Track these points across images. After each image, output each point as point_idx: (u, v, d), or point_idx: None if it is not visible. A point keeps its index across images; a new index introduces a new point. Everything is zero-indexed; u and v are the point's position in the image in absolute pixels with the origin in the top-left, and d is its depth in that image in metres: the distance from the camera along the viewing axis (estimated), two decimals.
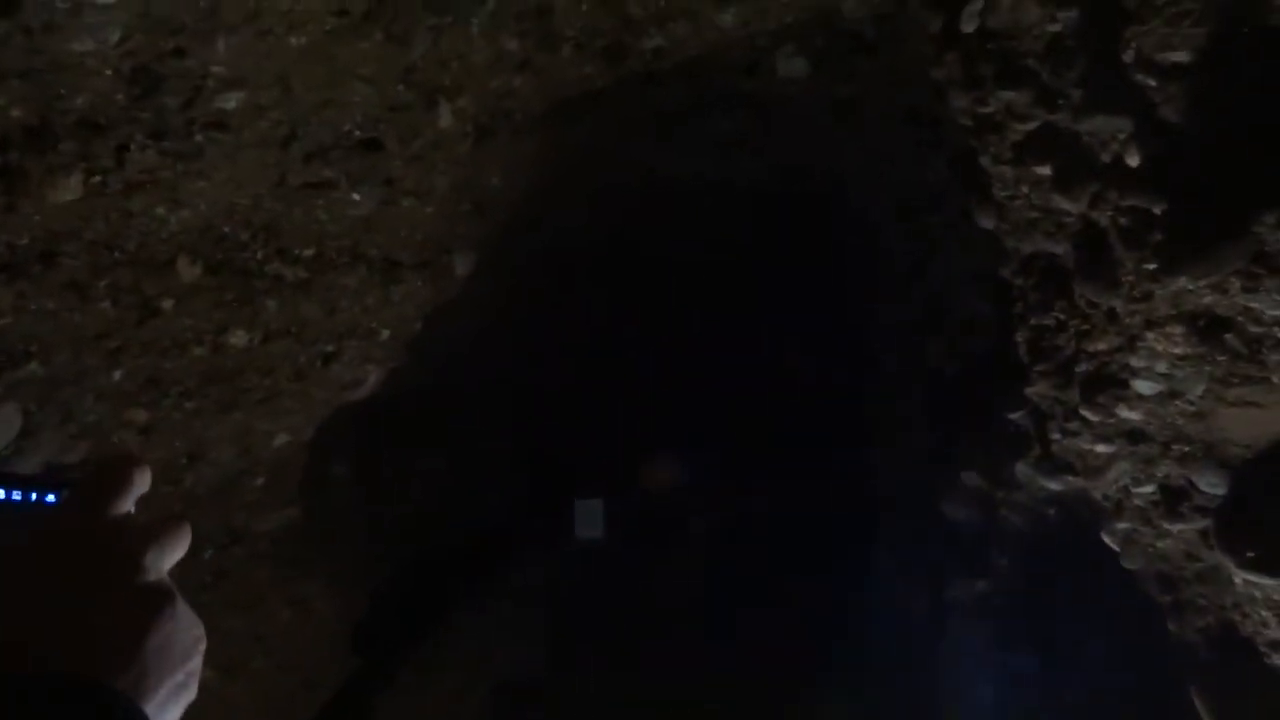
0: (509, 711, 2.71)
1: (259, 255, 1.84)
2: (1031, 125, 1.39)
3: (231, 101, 1.46)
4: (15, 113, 1.36)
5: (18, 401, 1.66)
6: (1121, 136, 1.25)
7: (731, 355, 3.33)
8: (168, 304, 1.75)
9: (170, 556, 0.51)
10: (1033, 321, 1.53)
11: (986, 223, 1.63)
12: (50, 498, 0.56)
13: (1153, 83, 1.18)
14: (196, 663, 0.49)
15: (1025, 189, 1.45)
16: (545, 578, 3.07)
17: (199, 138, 1.46)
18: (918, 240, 2.48)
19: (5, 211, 1.47)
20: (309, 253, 1.92)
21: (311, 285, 1.95)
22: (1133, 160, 1.23)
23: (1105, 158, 1.28)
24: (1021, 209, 1.48)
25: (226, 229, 1.76)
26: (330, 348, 2.05)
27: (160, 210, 1.55)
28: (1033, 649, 1.66)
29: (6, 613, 0.47)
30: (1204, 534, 1.28)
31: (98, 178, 1.44)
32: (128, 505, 0.52)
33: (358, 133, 1.83)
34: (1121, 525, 1.43)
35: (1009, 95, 1.40)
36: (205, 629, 0.51)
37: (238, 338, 1.88)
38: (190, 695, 0.49)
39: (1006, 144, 1.45)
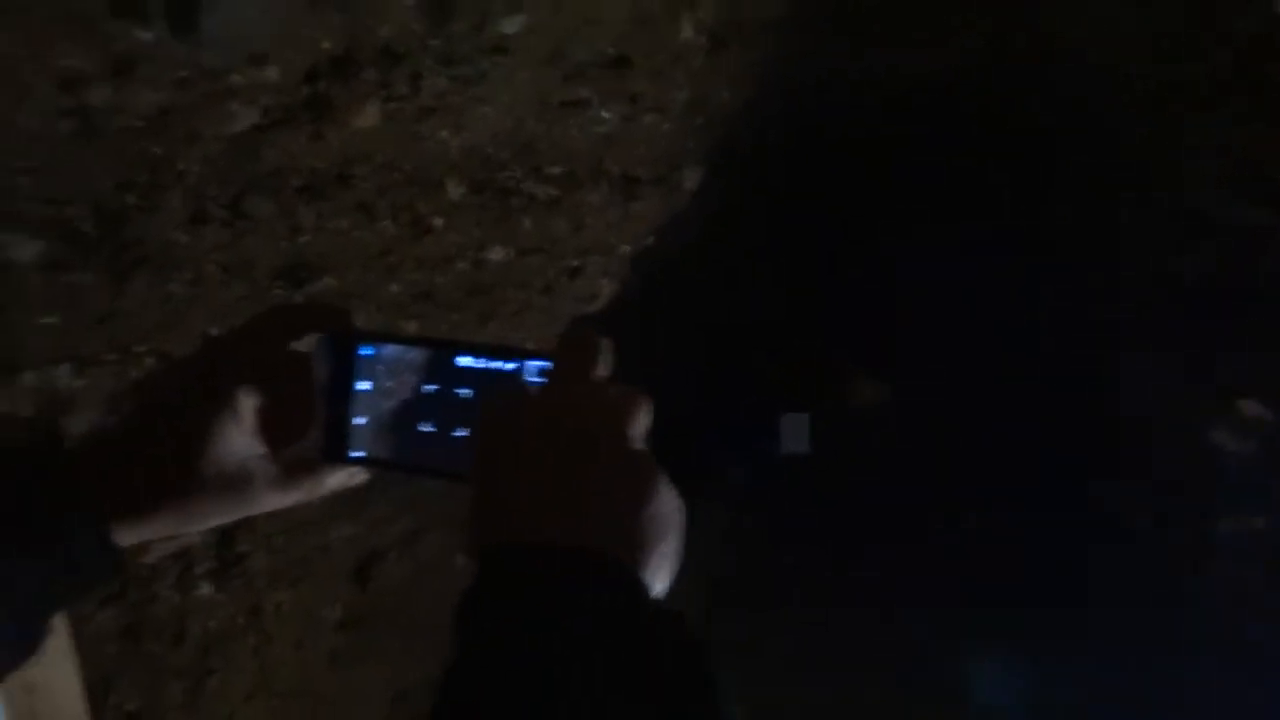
0: (719, 612, 2.82)
1: (517, 175, 1.91)
2: None
3: (513, 25, 1.50)
4: (325, 44, 1.45)
5: None
6: None
7: (943, 268, 3.20)
8: (438, 222, 1.86)
9: (645, 427, 0.50)
10: None
11: None
12: (509, 366, 0.56)
13: None
14: (679, 535, 0.47)
15: None
16: (753, 487, 3.13)
17: (484, 63, 1.52)
18: (1175, 139, 2.27)
19: (312, 138, 1.59)
20: (559, 171, 1.98)
21: (561, 203, 2.01)
22: None
23: None
24: None
25: (490, 150, 1.83)
26: (575, 262, 2.12)
27: (444, 133, 1.63)
28: None
29: (508, 483, 0.47)
30: None
31: (394, 104, 1.53)
32: (605, 375, 0.51)
33: (610, 50, 1.84)
34: None
35: None
36: None
37: (496, 254, 1.98)
38: (674, 567, 0.48)
39: None
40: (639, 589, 0.45)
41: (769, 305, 3.13)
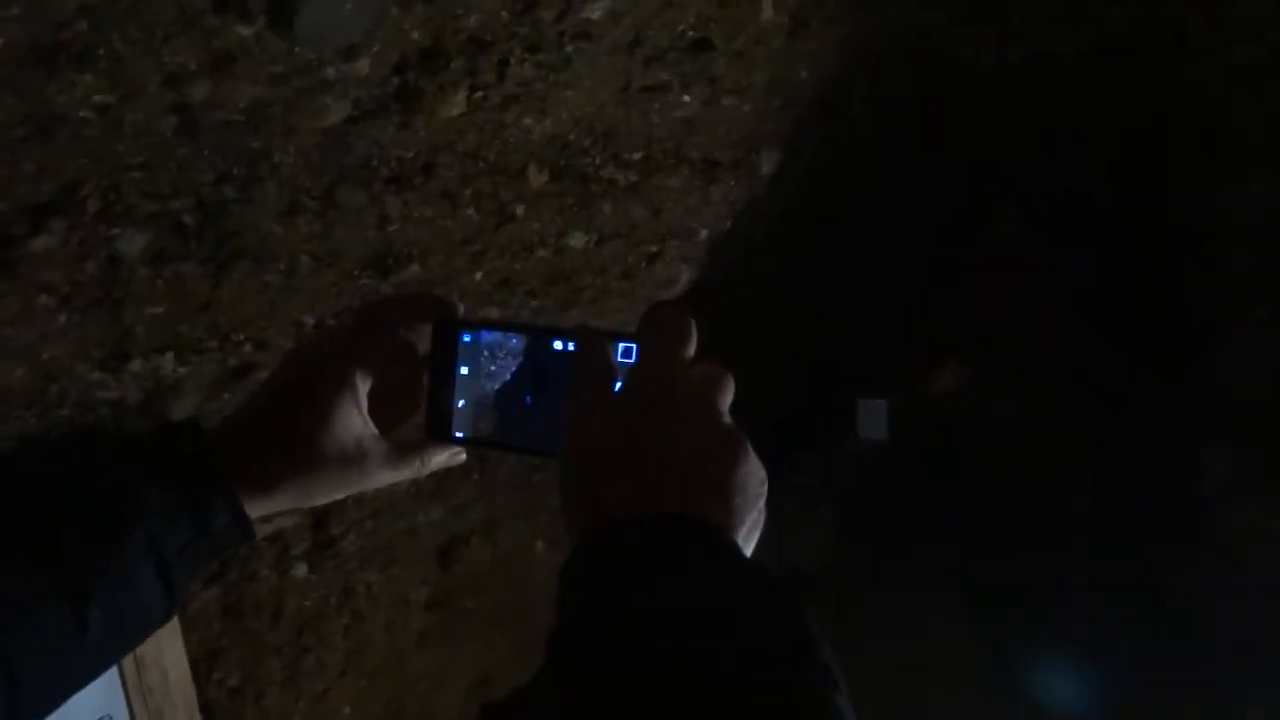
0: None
1: (596, 161, 1.91)
2: None
3: (597, 11, 1.50)
4: (415, 35, 1.47)
5: None
6: None
7: (1028, 251, 3.11)
8: (520, 210, 1.88)
9: (730, 401, 0.53)
10: None
11: None
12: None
13: None
14: (763, 504, 0.50)
15: None
16: (828, 476, 3.10)
17: (569, 48, 1.52)
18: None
19: (400, 128, 1.61)
20: (638, 156, 1.98)
21: (640, 188, 2.01)
22: None
23: None
24: None
25: (571, 136, 1.84)
26: (654, 248, 2.12)
27: (528, 121, 1.64)
28: None
29: (605, 461, 0.50)
30: None
31: (480, 93, 1.54)
32: (691, 354, 0.54)
33: (691, 33, 1.83)
34: None
35: None
36: None
37: (576, 240, 1.99)
38: (758, 534, 0.50)
39: None
40: (736, 548, 0.47)
41: (846, 289, 3.09)
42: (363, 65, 1.48)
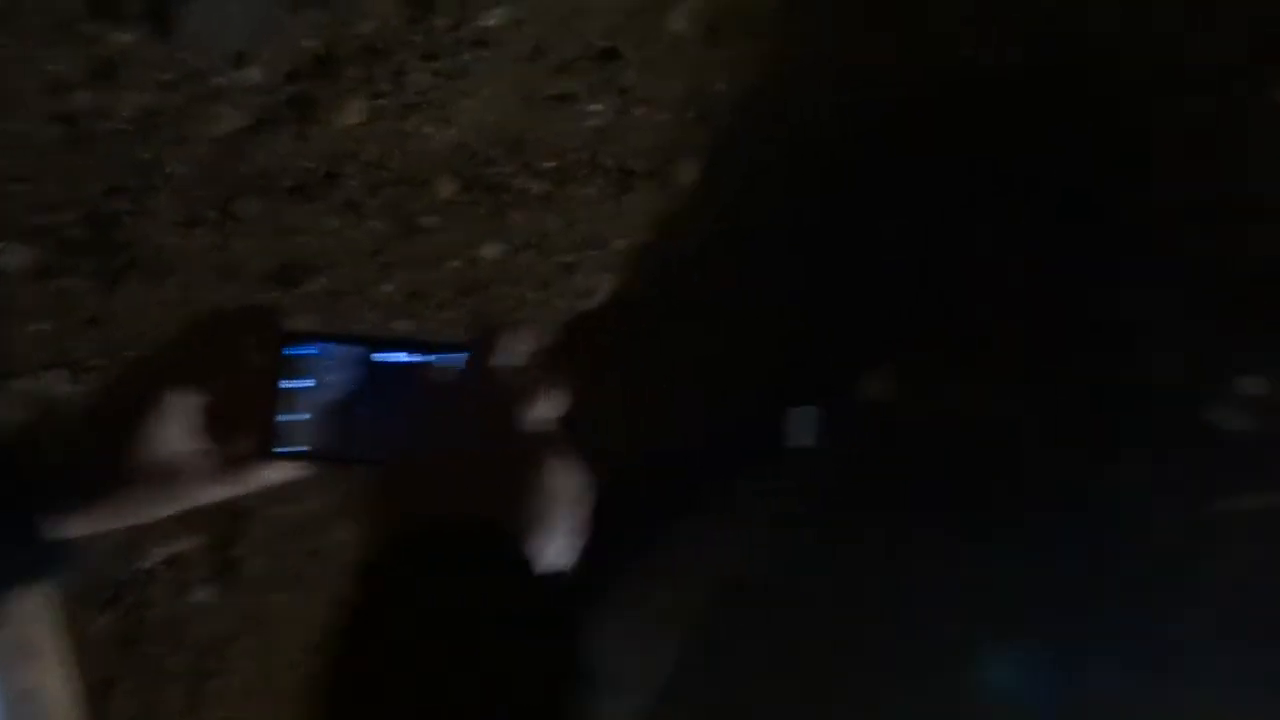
0: (731, 607, 2.80)
1: (507, 170, 1.90)
2: None
3: (494, 18, 1.50)
4: (307, 43, 1.45)
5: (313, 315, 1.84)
6: None
7: (961, 254, 3.15)
8: (429, 220, 1.86)
9: (552, 409, 0.54)
10: None
11: None
12: (430, 358, 0.62)
13: None
14: (585, 510, 0.51)
15: None
16: (764, 484, 3.11)
17: (466, 56, 1.51)
18: (1205, 119, 2.23)
19: (298, 138, 1.59)
20: (551, 165, 1.97)
21: (553, 198, 2.00)
22: None
23: None
24: None
25: (478, 146, 1.83)
26: (570, 258, 2.11)
27: (429, 129, 1.62)
28: None
29: (417, 466, 0.52)
30: None
31: (378, 101, 1.52)
32: (518, 361, 0.56)
33: (599, 42, 1.83)
34: None
35: None
36: None
37: (489, 251, 1.97)
38: (580, 541, 0.52)
39: None
40: (521, 553, 0.48)
41: (773, 298, 3.11)
42: (254, 73, 1.45)
